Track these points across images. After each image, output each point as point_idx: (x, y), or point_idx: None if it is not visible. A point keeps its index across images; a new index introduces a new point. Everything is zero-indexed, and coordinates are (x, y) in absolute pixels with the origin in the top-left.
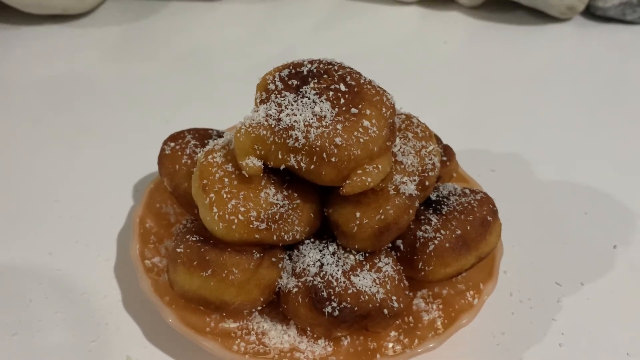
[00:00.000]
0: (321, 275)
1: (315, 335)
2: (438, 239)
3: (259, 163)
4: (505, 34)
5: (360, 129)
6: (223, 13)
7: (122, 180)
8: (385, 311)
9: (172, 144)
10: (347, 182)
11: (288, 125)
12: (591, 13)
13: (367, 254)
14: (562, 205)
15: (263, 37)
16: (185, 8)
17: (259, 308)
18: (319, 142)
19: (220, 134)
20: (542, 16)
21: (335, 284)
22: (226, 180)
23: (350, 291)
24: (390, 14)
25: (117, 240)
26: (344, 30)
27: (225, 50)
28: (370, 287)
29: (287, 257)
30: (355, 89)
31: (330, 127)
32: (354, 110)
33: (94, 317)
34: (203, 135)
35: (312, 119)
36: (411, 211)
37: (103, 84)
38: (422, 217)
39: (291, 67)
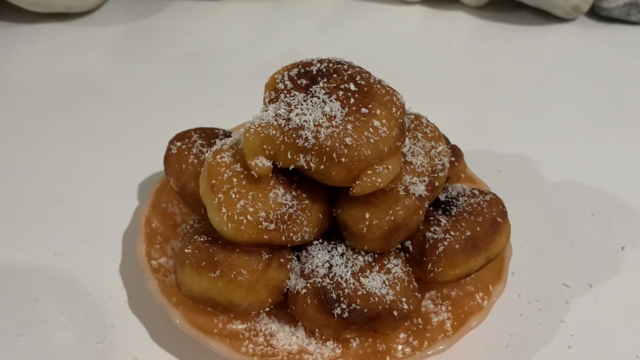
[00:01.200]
0: (330, 276)
1: (323, 337)
2: (447, 240)
3: (268, 163)
4: (509, 34)
5: (371, 129)
6: (227, 12)
7: (127, 180)
8: (395, 313)
9: (179, 144)
10: (357, 182)
11: (298, 125)
12: (596, 13)
13: (376, 255)
14: (569, 206)
15: (267, 37)
16: (189, 7)
17: (267, 309)
18: (329, 142)
19: (226, 134)
20: (546, 16)
21: (344, 285)
22: (235, 180)
23: (359, 293)
24: (394, 13)
25: (122, 241)
26: (347, 30)
27: (229, 50)
28: (380, 289)
29: (296, 258)
30: (365, 89)
31: (341, 127)
32: (364, 110)
33: (100, 318)
34: (209, 135)
35: (322, 118)
36: (421, 212)
37: (107, 83)
38: (432, 218)
39: (300, 67)
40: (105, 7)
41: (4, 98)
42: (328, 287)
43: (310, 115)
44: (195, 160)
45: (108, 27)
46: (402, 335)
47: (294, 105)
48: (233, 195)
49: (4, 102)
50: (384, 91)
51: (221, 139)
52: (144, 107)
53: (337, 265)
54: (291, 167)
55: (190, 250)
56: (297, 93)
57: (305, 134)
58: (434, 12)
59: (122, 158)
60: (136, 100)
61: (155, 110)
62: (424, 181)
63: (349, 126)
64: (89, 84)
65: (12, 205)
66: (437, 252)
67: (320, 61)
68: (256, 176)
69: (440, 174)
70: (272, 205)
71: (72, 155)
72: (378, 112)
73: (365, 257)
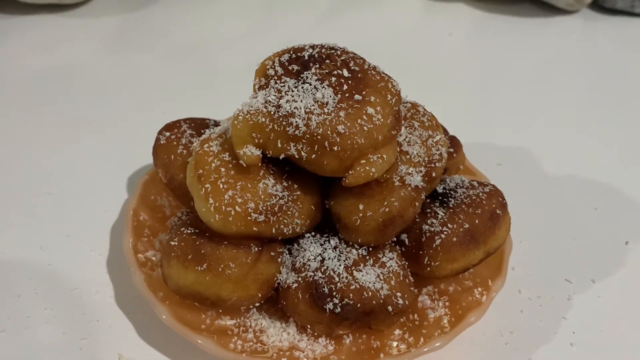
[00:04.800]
0: (322, 270)
1: (315, 334)
2: (445, 233)
3: (258, 152)
4: (511, 26)
5: (364, 117)
6: (222, 4)
7: (116, 172)
8: (390, 308)
9: (168, 134)
10: (350, 172)
11: (288, 112)
12: (599, 5)
13: (370, 249)
14: (571, 200)
15: (263, 29)
16: None
17: (257, 305)
18: (321, 130)
19: (217, 124)
20: (549, 8)
21: (337, 279)
22: (223, 170)
23: (352, 287)
24: (393, 5)
25: (110, 234)
26: (346, 22)
27: (224, 42)
28: (374, 283)
29: (287, 252)
30: (359, 75)
31: (333, 114)
32: (357, 96)
33: (85, 314)
34: (199, 125)
35: (313, 105)
36: (417, 203)
37: (99, 75)
38: (428, 210)
39: (292, 52)
40: None
41: None
42: (320, 282)
43: (301, 102)
44: (185, 151)
45: (101, 18)
46: (397, 331)
47: (285, 92)
48: (221, 186)
49: None
50: (378, 77)
51: (211, 129)
52: (136, 99)
53: (329, 258)
54: (281, 156)
55: (176, 243)
56: (287, 79)
57: (296, 122)
58: (434, 4)
59: (113, 151)
60: (127, 92)
61: (149, 103)
62: (421, 171)
63: (342, 113)
64: (81, 76)
65: None
66: (434, 246)
67: (313, 47)
68: (245, 166)
69: (437, 164)
70: (262, 196)
71: (61, 147)
72: (372, 99)
73: (359, 251)
